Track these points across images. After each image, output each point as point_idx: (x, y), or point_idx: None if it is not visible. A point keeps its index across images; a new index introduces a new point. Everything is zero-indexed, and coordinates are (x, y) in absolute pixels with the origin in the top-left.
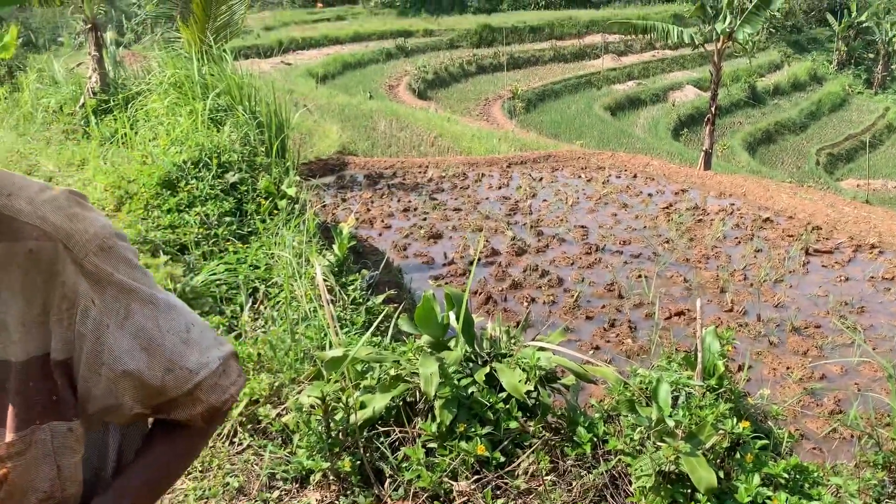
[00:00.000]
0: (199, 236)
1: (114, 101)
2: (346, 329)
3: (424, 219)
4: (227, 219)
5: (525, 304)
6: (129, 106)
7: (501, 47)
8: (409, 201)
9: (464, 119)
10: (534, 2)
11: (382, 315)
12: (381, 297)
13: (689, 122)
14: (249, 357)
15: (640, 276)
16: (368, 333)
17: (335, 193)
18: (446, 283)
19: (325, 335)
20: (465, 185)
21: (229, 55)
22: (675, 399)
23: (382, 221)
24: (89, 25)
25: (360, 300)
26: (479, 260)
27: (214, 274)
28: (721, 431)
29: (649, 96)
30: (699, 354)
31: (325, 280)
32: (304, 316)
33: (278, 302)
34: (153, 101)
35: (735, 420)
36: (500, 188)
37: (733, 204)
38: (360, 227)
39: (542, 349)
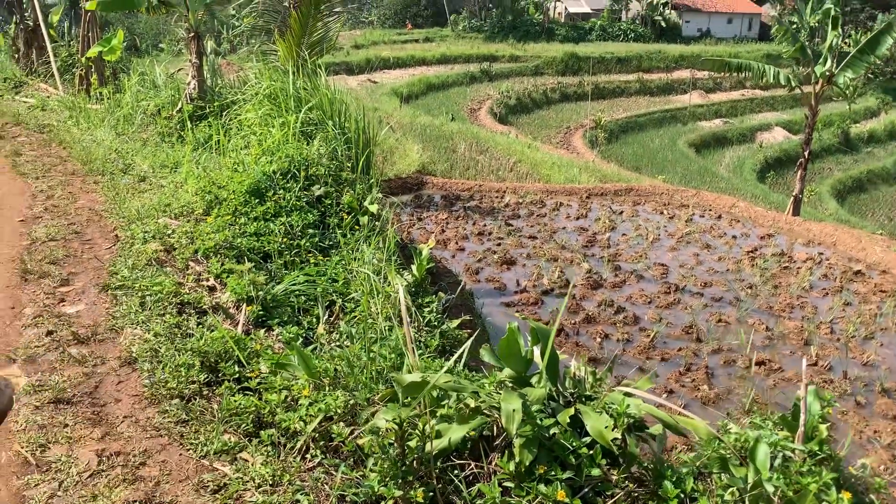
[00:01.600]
0: (283, 246)
1: (209, 108)
2: (420, 351)
3: (499, 244)
4: (311, 231)
5: (598, 339)
6: (224, 114)
7: (587, 76)
8: (485, 225)
9: (544, 146)
10: (622, 33)
11: (465, 346)
12: (455, 322)
13: (775, 164)
14: (326, 372)
15: (720, 321)
16: (451, 361)
17: (412, 212)
18: (517, 311)
19: (402, 356)
20: (542, 212)
21: (323, 71)
22: (772, 461)
23: (456, 243)
24: (192, 34)
25: (435, 323)
26: (552, 290)
27: (295, 284)
28: (824, 502)
29: (736, 135)
30: (801, 416)
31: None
32: (381, 335)
33: (354, 317)
34: (247, 111)
35: (836, 491)
36: (577, 218)
37: (822, 253)
38: (433, 248)
39: (628, 394)
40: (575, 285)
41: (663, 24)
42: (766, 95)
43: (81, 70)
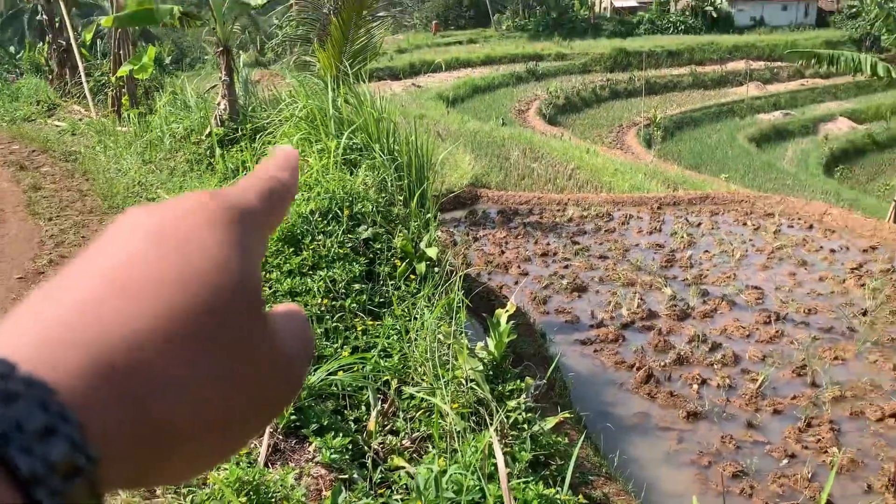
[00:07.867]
0: (323, 308)
1: (242, 130)
2: (508, 469)
3: (566, 266)
4: (357, 286)
5: (695, 386)
6: (258, 137)
7: (637, 72)
8: (548, 244)
9: (602, 149)
10: (672, 25)
11: (571, 464)
12: (551, 422)
13: (842, 157)
14: None
15: (836, 359)
16: None
17: (467, 230)
18: (595, 351)
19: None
20: (611, 227)
21: (367, 86)
22: None
23: (519, 267)
24: (221, 48)
25: (523, 423)
26: (632, 323)
27: (338, 369)
28: None
29: (798, 127)
30: None
31: (478, 391)
32: (451, 450)
33: (412, 416)
34: (281, 136)
35: None
36: (651, 233)
37: None
38: (492, 272)
39: None
40: (659, 316)
41: (714, 13)
42: (828, 84)
43: (113, 90)
